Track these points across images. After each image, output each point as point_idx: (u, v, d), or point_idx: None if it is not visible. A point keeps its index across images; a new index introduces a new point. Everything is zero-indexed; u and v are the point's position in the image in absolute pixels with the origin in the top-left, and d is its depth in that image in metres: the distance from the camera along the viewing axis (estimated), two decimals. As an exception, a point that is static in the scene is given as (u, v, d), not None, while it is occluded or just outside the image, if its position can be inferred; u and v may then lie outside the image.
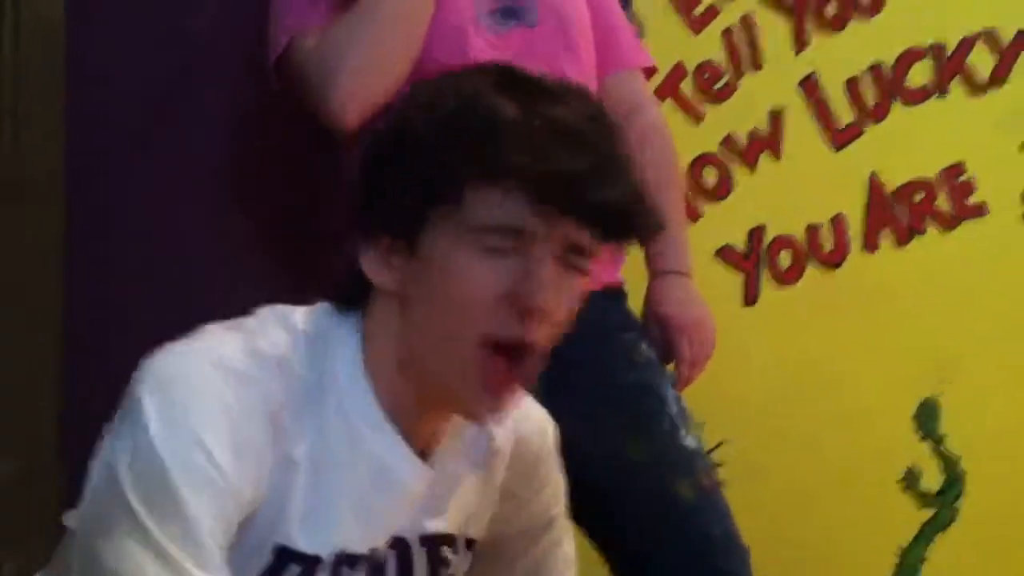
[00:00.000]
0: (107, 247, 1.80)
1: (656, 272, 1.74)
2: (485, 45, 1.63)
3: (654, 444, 1.63)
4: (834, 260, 2.28)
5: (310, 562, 1.03)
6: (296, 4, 1.64)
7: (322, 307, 1.08)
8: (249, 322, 1.05)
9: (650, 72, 1.88)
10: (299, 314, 1.07)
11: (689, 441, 1.64)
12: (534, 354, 1.02)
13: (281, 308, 1.07)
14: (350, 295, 1.07)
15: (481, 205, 0.97)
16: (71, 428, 1.68)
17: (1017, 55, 2.29)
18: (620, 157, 1.01)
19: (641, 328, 1.73)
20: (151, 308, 1.73)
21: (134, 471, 0.94)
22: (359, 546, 1.06)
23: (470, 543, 1.18)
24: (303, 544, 1.03)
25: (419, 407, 1.07)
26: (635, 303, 1.75)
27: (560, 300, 1.01)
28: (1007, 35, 2.29)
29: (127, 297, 1.79)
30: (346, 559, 1.05)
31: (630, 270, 1.72)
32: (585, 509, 1.66)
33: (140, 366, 0.99)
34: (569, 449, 1.41)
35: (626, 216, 1.01)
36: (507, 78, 1.03)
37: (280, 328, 1.04)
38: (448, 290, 1.00)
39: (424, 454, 1.09)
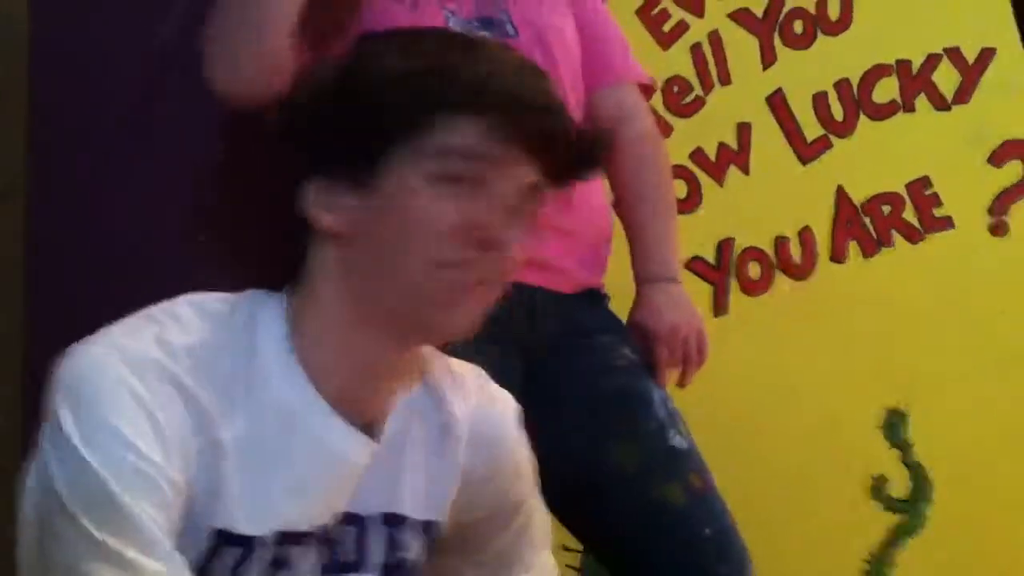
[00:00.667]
0: (75, 252, 1.80)
1: (639, 280, 1.73)
2: None
3: (640, 449, 1.59)
4: (802, 271, 2.31)
5: (247, 543, 1.03)
6: None
7: (245, 292, 1.08)
8: (157, 312, 1.04)
9: (647, 90, 1.85)
10: (215, 300, 1.07)
11: (678, 441, 1.61)
12: (492, 285, 1.04)
13: (195, 296, 1.07)
14: (282, 268, 1.07)
15: (446, 130, 1.00)
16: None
17: (981, 72, 2.33)
18: (559, 99, 1.05)
19: (624, 330, 1.71)
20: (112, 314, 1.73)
21: (69, 484, 0.94)
22: (300, 523, 1.05)
23: (428, 527, 1.17)
24: (239, 526, 1.02)
25: (363, 375, 1.07)
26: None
27: (515, 235, 1.03)
28: (971, 53, 2.33)
29: (89, 302, 1.78)
30: (290, 537, 1.05)
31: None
32: (576, 519, 1.65)
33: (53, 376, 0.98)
34: (555, 460, 1.40)
35: (573, 148, 1.04)
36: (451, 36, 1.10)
37: (194, 315, 1.04)
38: (407, 216, 1.01)
39: (371, 428, 1.08)
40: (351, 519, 1.10)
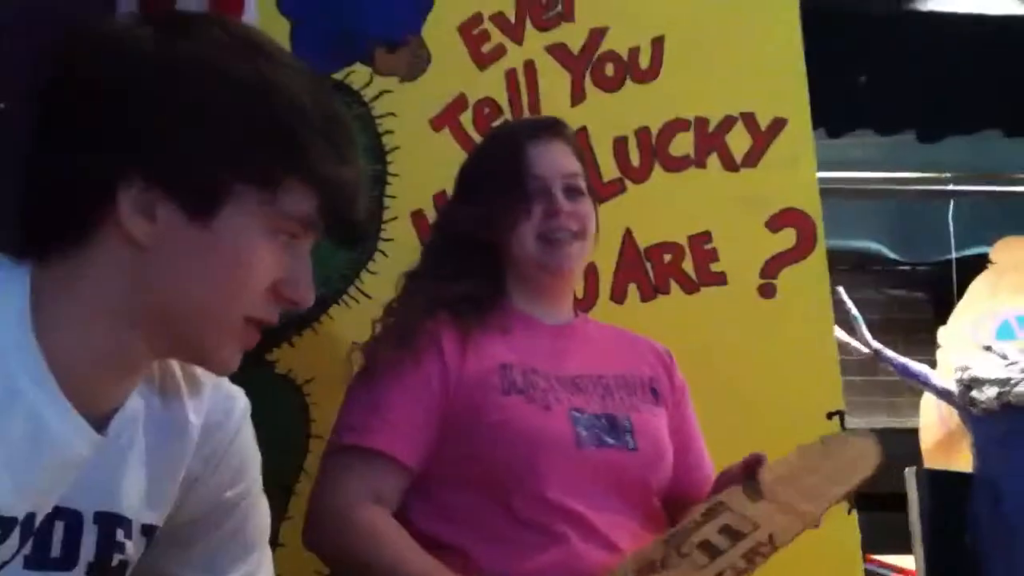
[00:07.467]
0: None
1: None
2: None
3: None
4: (584, 306, 2.36)
5: None
6: None
7: None
8: None
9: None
10: None
11: None
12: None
13: None
14: (31, 237, 1.05)
15: (294, 195, 1.06)
16: None
17: (771, 140, 2.45)
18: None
19: None
20: None
21: None
22: (12, 508, 1.01)
23: (147, 530, 1.14)
24: None
25: (109, 367, 1.05)
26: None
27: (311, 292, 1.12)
28: (765, 120, 2.45)
29: None
30: None
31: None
32: None
33: None
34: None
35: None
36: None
37: None
38: (239, 260, 1.05)
39: (100, 422, 1.06)
40: (63, 513, 1.07)
